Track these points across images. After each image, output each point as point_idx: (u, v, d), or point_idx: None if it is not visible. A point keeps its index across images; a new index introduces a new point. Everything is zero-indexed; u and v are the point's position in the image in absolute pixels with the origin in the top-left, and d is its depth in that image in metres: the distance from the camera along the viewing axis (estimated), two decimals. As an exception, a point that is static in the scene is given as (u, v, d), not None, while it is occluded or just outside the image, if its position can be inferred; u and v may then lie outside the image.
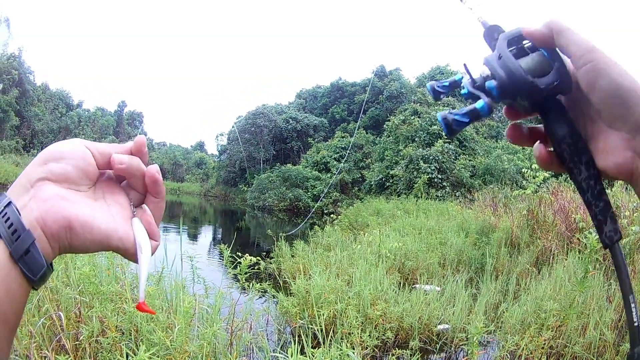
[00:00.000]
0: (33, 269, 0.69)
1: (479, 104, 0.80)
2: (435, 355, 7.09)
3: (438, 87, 0.90)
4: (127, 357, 4.17)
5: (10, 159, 45.38)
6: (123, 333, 4.85)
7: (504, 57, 0.79)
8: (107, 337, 4.60)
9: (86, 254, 6.20)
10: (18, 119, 55.62)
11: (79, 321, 5.05)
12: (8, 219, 0.68)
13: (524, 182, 15.57)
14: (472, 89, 0.81)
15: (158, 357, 4.23)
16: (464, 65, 0.84)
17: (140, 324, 4.83)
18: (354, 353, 4.84)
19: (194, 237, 24.01)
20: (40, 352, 4.52)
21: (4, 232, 0.68)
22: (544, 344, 6.20)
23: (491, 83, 0.78)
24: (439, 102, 41.88)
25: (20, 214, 0.69)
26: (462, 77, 0.86)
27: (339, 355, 4.73)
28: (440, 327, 7.49)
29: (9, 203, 0.70)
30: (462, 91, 0.84)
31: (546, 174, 14.80)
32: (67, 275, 5.77)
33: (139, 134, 69.13)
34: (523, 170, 16.11)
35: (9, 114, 52.97)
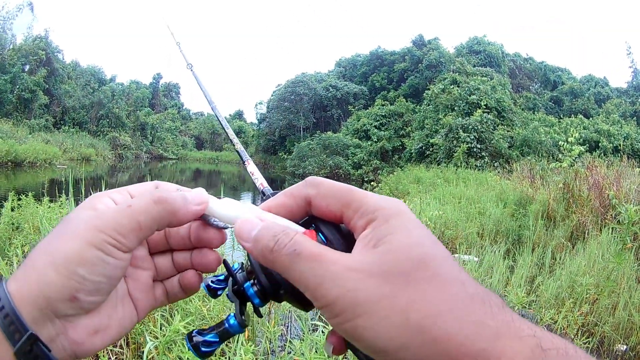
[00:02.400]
0: None
1: (229, 320, 0.73)
2: None
3: (213, 283, 0.79)
4: (160, 327, 4.03)
5: (40, 137, 45.54)
6: None
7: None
8: None
9: None
10: (47, 98, 55.94)
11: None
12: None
13: (560, 155, 15.48)
14: (232, 293, 0.74)
15: (193, 327, 3.98)
16: (224, 262, 0.77)
17: None
18: None
19: (236, 192, 24.32)
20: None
21: None
22: (579, 319, 6.08)
23: (251, 290, 0.72)
24: (477, 73, 41.71)
25: (50, 351, 0.61)
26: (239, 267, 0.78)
27: None
28: None
29: (34, 338, 0.59)
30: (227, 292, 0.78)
31: (582, 148, 14.66)
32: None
33: (175, 105, 68.79)
34: (560, 142, 16.03)
35: (37, 93, 53.48)
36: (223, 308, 4.65)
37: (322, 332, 4.38)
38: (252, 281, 0.73)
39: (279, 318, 5.61)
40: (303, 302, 0.68)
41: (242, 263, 0.79)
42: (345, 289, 0.56)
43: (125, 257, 0.66)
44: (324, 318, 3.31)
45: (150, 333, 4.05)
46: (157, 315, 4.30)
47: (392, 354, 0.54)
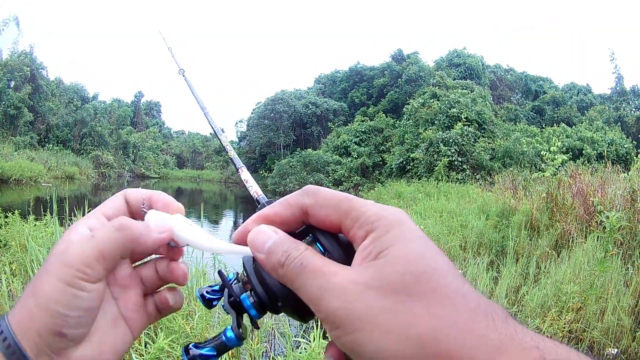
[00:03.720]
0: None
1: (227, 333, 0.70)
2: None
3: (208, 293, 0.77)
4: (145, 345, 4.13)
5: (24, 155, 45.74)
6: None
7: (262, 272, 0.69)
8: None
9: None
10: (32, 115, 56.00)
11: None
12: None
13: (543, 164, 15.48)
14: (228, 305, 0.71)
15: (177, 344, 4.23)
16: (219, 272, 0.75)
17: None
18: None
19: (215, 223, 24.19)
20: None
21: None
22: (565, 327, 6.24)
23: (248, 301, 0.70)
24: (457, 86, 41.90)
25: None
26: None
27: None
28: None
29: None
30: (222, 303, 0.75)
31: (565, 157, 14.79)
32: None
33: (157, 123, 68.99)
34: (542, 152, 16.12)
35: (22, 110, 53.43)
36: (206, 326, 4.77)
37: (305, 348, 4.47)
38: (248, 292, 0.71)
39: (262, 335, 5.65)
40: (301, 313, 0.67)
41: (237, 273, 0.77)
42: (345, 302, 0.55)
43: (96, 287, 0.65)
44: (306, 336, 4.86)
45: (136, 351, 4.12)
46: (142, 333, 4.16)
47: None
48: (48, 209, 9.04)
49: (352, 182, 44.30)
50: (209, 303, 0.76)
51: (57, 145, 58.02)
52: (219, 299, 0.75)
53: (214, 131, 1.30)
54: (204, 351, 0.68)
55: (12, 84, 55.13)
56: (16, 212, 8.93)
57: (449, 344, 0.50)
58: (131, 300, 0.72)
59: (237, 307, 0.70)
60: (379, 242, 0.56)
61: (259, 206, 0.81)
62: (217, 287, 0.76)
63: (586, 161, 28.22)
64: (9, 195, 29.61)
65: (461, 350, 0.49)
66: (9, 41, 62.94)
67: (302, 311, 0.64)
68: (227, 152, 1.15)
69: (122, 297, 0.71)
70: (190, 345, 0.69)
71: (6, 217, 8.84)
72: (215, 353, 0.68)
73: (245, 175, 1.02)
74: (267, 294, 0.67)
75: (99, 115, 66.65)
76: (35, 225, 8.37)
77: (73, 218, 7.56)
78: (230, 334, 0.68)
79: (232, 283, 0.72)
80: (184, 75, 1.49)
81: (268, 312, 0.70)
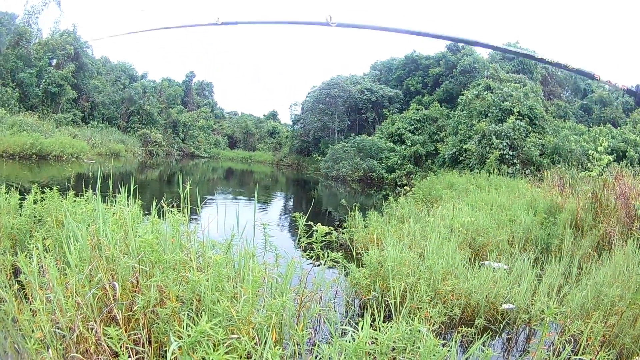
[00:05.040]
0: None
1: None
2: (497, 336, 7.02)
3: None
4: (186, 327, 3.80)
5: (66, 132, 45.55)
6: (183, 302, 4.62)
7: None
8: (166, 307, 4.40)
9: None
10: (75, 92, 55.79)
11: (135, 291, 4.86)
12: None
13: (589, 164, 15.49)
14: None
15: (221, 328, 3.95)
16: None
17: (205, 293, 4.55)
18: (424, 329, 4.63)
19: (265, 205, 24.05)
20: (87, 324, 4.36)
21: None
22: (606, 331, 6.12)
23: None
24: (510, 79, 41.82)
25: None
26: None
27: (409, 330, 4.62)
28: (505, 306, 7.40)
29: None
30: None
31: (610, 158, 14.67)
32: (126, 244, 5.38)
33: (209, 103, 68.75)
34: (589, 151, 16.05)
35: (64, 87, 53.37)
36: (252, 310, 4.58)
37: (353, 338, 4.32)
38: None
39: (308, 321, 5.63)
40: None
41: None
42: None
43: None
44: (353, 323, 5.14)
45: (174, 333, 4.10)
46: (183, 314, 4.28)
47: None
48: (90, 186, 8.63)
49: (404, 169, 44.25)
50: None
51: (103, 123, 57.74)
52: None
53: None
54: None
55: (54, 62, 55.34)
56: (54, 187, 8.81)
57: None
58: None
59: None
60: None
61: None
62: None
63: (629, 164, 27.83)
64: (48, 171, 29.41)
65: None
66: (50, 21, 62.30)
67: None
68: None
69: None
70: None
71: (42, 192, 8.72)
72: None
73: None
74: None
75: (148, 93, 66.26)
76: (74, 201, 8.29)
77: (117, 195, 7.29)
78: None
79: None
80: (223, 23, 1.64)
81: None
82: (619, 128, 38.11)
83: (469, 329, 6.02)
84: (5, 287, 4.98)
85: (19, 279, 5.47)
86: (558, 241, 11.37)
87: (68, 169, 30.45)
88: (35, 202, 8.51)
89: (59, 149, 36.89)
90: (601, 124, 39.40)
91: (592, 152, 14.95)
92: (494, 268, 8.43)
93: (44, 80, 52.31)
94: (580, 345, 5.74)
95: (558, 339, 6.11)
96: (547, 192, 17.41)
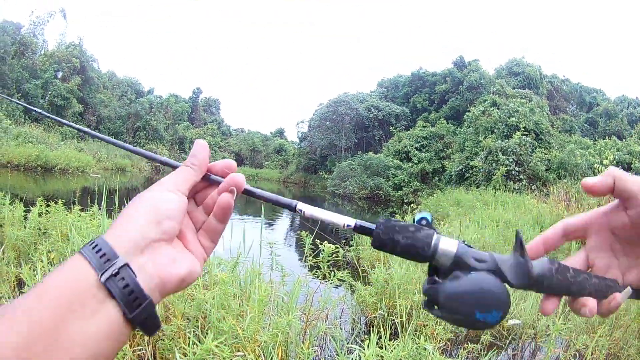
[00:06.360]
0: (151, 331, 0.75)
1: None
2: (503, 351, 6.90)
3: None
4: (191, 345, 3.85)
5: (72, 145, 44.92)
6: (189, 320, 4.68)
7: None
8: (171, 324, 4.39)
9: None
10: (81, 106, 55.75)
11: (139, 307, 4.83)
12: (127, 285, 0.70)
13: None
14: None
15: (226, 345, 3.92)
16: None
17: (210, 311, 4.59)
18: (430, 347, 4.57)
19: (271, 222, 23.47)
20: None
21: (122, 296, 0.70)
22: (612, 344, 6.09)
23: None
24: (517, 95, 41.80)
25: (136, 277, 0.72)
26: None
27: (415, 348, 4.58)
28: (511, 322, 7.29)
29: (125, 265, 0.71)
30: None
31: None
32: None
33: (215, 120, 67.32)
34: (594, 165, 15.98)
35: (70, 100, 53.43)
36: (258, 328, 4.59)
37: (359, 356, 4.28)
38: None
39: (314, 339, 5.50)
40: None
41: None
42: None
43: (184, 199, 0.86)
44: (358, 340, 5.08)
45: (180, 349, 4.10)
46: (189, 332, 4.38)
47: None
48: (95, 200, 8.97)
49: (411, 187, 44.25)
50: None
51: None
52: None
53: None
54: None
55: (60, 74, 55.17)
56: (60, 201, 8.73)
57: None
58: (190, 236, 0.89)
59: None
60: None
61: None
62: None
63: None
64: (53, 184, 28.96)
65: None
66: (55, 33, 61.40)
67: None
68: None
69: (185, 236, 0.88)
70: None
71: (47, 205, 8.71)
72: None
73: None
74: None
75: (154, 109, 66.15)
76: (80, 215, 8.13)
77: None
78: None
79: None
80: None
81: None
82: (624, 140, 38.00)
83: (475, 345, 6.00)
84: (9, 298, 5.00)
85: (22, 290, 5.36)
86: (564, 256, 10.83)
87: (74, 182, 29.69)
88: (40, 215, 8.47)
89: (65, 162, 36.62)
90: (607, 137, 39.35)
91: (598, 165, 14.96)
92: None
93: (49, 93, 52.46)
94: (585, 359, 5.68)
95: (563, 353, 6.12)
96: (553, 207, 17.46)
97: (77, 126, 1.32)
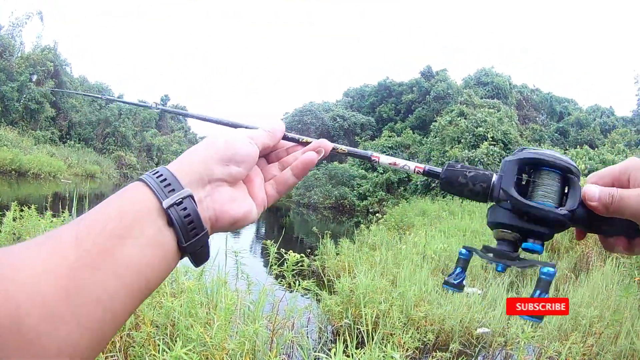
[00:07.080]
0: (200, 261, 0.78)
1: (543, 269, 0.84)
2: (473, 359, 6.95)
3: (454, 278, 0.97)
4: (161, 352, 4.02)
5: (44, 150, 45.45)
6: (158, 327, 4.75)
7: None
8: (141, 332, 4.46)
9: None
10: (54, 110, 55.96)
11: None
12: (188, 215, 0.74)
13: None
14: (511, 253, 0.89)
15: (195, 353, 4.07)
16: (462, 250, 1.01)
17: (178, 319, 4.70)
18: (397, 355, 4.63)
19: (237, 231, 23.59)
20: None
21: (181, 224, 0.73)
22: (585, 351, 6.15)
23: (533, 244, 0.86)
24: (485, 105, 41.85)
25: (197, 209, 0.75)
26: None
27: (383, 356, 4.66)
28: (480, 330, 7.38)
29: (188, 196, 0.75)
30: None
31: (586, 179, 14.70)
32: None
33: (182, 127, 68.16)
34: None
35: (43, 105, 53.33)
36: (225, 336, 4.62)
37: None
38: (528, 239, 0.88)
39: (281, 348, 5.62)
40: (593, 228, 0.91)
41: (485, 246, 0.97)
42: None
43: (257, 149, 0.90)
44: (325, 349, 5.67)
45: (150, 356, 4.18)
46: (159, 339, 4.38)
47: None
48: (67, 206, 9.00)
49: (376, 197, 44.00)
50: (459, 286, 0.96)
51: (79, 143, 57.78)
52: (464, 278, 0.97)
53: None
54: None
55: (35, 78, 55.12)
56: (32, 206, 8.84)
57: None
58: (256, 184, 0.93)
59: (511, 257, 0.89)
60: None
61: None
62: (458, 271, 0.97)
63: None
64: (26, 189, 29.56)
65: None
66: (32, 35, 61.96)
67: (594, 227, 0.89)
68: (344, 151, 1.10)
69: (251, 182, 0.93)
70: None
71: (21, 210, 8.78)
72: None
73: (386, 159, 1.09)
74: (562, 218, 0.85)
75: (123, 116, 66.36)
76: (52, 221, 8.20)
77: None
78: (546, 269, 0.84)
79: (502, 249, 0.92)
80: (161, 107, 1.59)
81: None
82: (596, 149, 38.36)
83: (444, 353, 6.04)
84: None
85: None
86: (564, 255, 11.56)
87: (45, 187, 30.34)
88: (14, 220, 8.56)
89: (37, 167, 37.26)
90: (578, 146, 39.65)
91: (569, 175, 14.64)
92: (467, 293, 8.37)
93: (24, 96, 52.26)
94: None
95: (537, 360, 6.22)
96: (521, 217, 16.97)
97: (175, 110, 1.50)
